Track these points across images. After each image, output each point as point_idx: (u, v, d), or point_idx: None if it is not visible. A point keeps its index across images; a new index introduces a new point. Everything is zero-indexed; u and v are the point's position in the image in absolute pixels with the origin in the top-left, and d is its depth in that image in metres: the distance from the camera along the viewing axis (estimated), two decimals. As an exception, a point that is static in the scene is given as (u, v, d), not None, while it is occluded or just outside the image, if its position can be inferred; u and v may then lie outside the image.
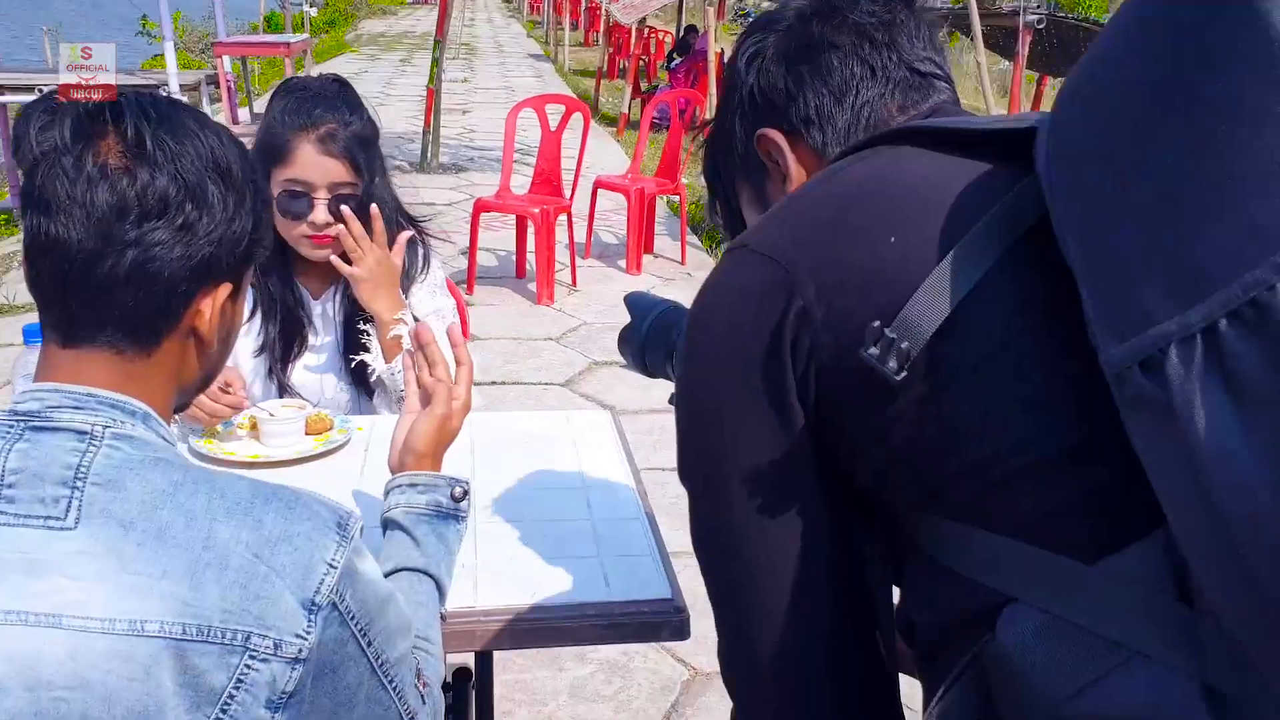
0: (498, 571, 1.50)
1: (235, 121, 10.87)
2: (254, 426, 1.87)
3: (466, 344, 1.83)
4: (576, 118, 6.07)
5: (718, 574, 0.94)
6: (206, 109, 10.37)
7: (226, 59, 10.78)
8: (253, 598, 0.95)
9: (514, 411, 4.08)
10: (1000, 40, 7.05)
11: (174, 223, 0.99)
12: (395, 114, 13.22)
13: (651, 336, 1.36)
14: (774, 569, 0.88)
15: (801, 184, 0.99)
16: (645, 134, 6.58)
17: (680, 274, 6.50)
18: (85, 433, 0.96)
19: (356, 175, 2.00)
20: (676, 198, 6.81)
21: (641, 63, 14.66)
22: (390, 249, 2.01)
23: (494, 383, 4.71)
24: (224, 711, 0.95)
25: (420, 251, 2.17)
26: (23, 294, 5.61)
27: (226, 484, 1.00)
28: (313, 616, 0.97)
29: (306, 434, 1.85)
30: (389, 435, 1.65)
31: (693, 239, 7.04)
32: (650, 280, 6.32)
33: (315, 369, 2.13)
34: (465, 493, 1.43)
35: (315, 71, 12.18)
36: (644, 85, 14.15)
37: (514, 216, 6.08)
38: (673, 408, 1.00)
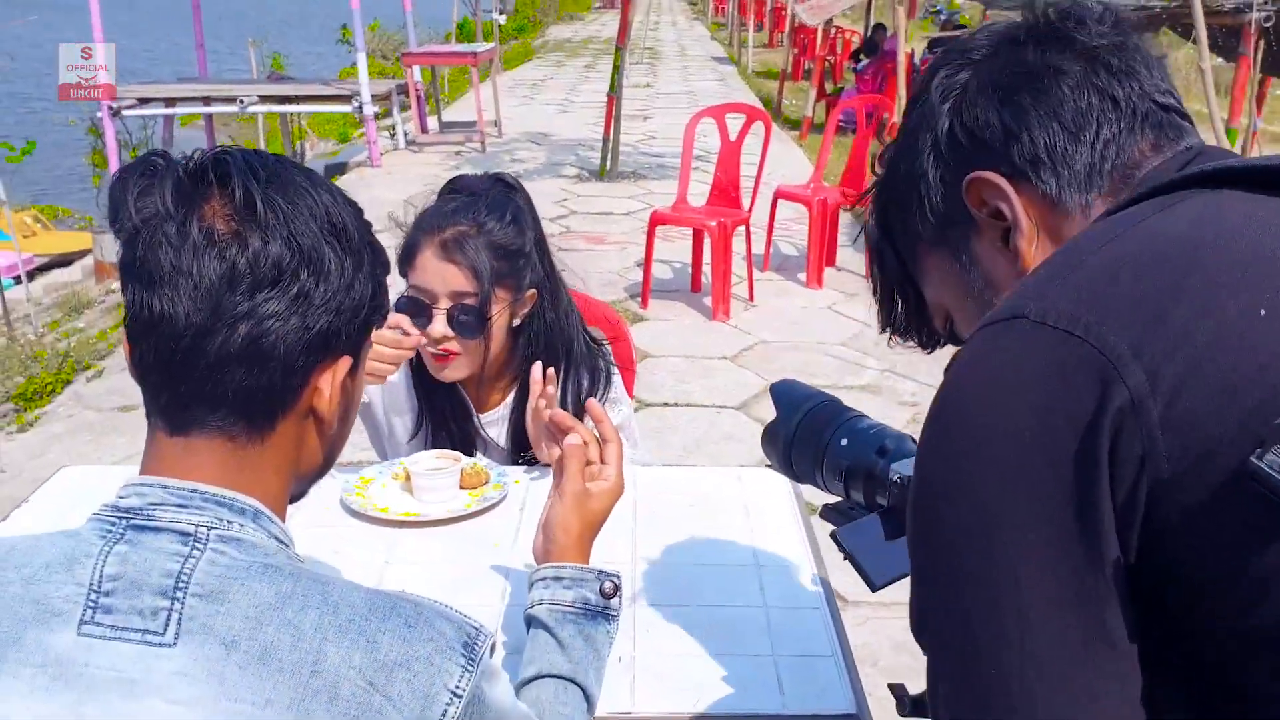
0: (658, 671, 1.33)
1: (424, 130, 11.14)
2: (408, 477, 1.76)
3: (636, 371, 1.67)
4: (758, 126, 5.88)
5: None
6: (396, 117, 10.65)
7: (416, 69, 11.04)
8: None
9: (677, 467, 3.95)
10: (1219, 39, 6.49)
11: (289, 291, 0.87)
12: (578, 120, 13.33)
13: (801, 435, 1.17)
14: None
15: (1070, 238, 0.81)
16: (829, 140, 6.33)
17: (864, 289, 6.21)
18: (189, 534, 0.86)
19: (485, 286, 1.78)
20: (861, 208, 6.52)
21: (827, 64, 14.30)
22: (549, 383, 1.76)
23: (665, 404, 4.56)
24: None
25: (601, 374, 1.98)
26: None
27: (341, 595, 0.87)
28: None
29: (461, 487, 1.74)
30: (545, 492, 1.52)
31: (877, 251, 6.75)
32: (832, 295, 6.07)
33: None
34: (617, 588, 1.28)
35: (503, 78, 12.41)
36: (829, 87, 13.81)
37: (690, 228, 5.93)
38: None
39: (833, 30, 15.37)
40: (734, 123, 5.92)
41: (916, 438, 1.01)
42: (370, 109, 9.55)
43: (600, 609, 1.26)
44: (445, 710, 0.85)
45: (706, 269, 5.93)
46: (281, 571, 0.87)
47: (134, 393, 0.92)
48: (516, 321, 1.88)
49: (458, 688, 0.86)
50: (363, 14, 10.16)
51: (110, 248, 6.96)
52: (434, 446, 1.92)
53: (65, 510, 1.69)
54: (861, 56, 13.48)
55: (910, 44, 11.48)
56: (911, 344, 1.02)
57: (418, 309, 1.80)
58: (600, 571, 1.28)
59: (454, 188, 1.89)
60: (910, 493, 0.78)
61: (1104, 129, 0.84)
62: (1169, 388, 0.64)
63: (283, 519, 0.94)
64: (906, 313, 0.99)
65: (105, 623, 0.83)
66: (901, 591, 0.86)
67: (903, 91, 10.01)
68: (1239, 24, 5.27)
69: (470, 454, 1.92)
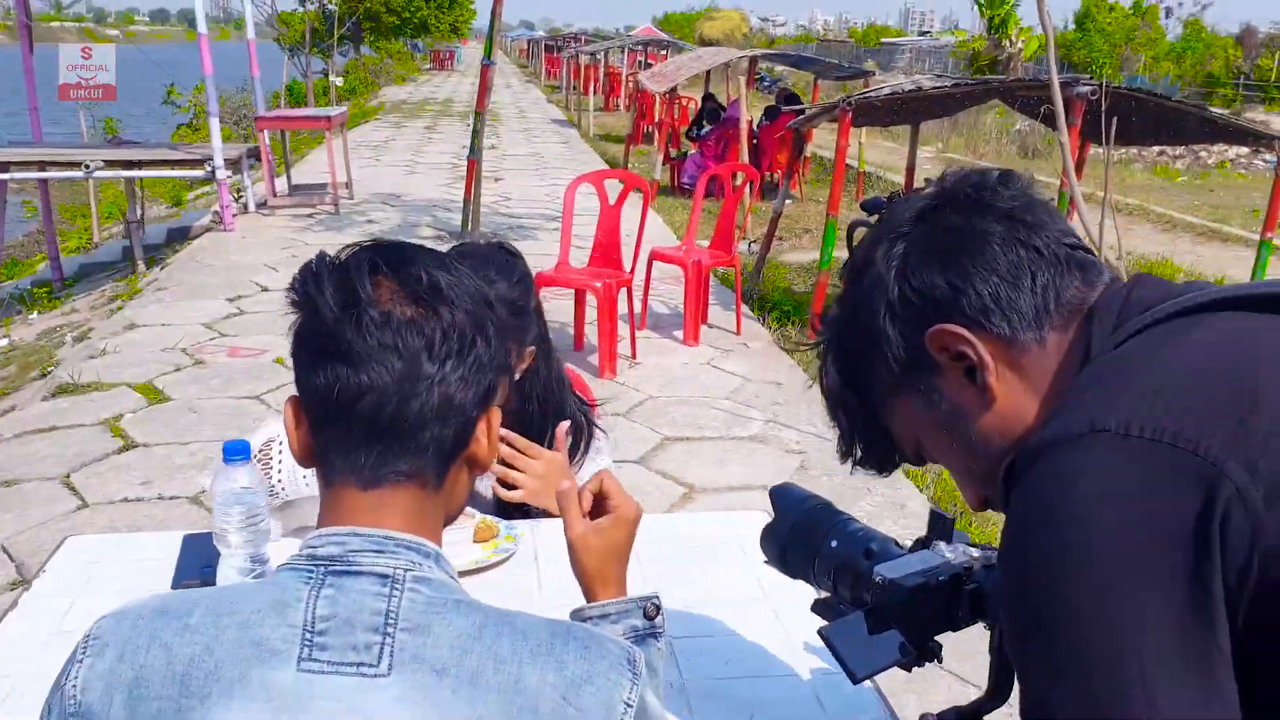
0: (709, 692, 1.47)
1: (274, 193, 10.98)
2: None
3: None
4: (622, 189, 6.10)
5: None
6: (246, 180, 10.49)
7: (266, 133, 10.91)
8: None
9: (670, 514, 4.05)
10: (1044, 111, 7.08)
11: (468, 356, 1.02)
12: (428, 181, 13.36)
13: (796, 535, 1.27)
14: None
15: (1102, 362, 0.91)
16: (699, 206, 6.61)
17: (737, 344, 6.50)
18: (388, 577, 0.97)
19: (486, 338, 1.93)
20: (731, 269, 6.82)
21: (668, 130, 14.78)
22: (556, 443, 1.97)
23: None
24: None
25: (584, 431, 2.11)
26: (88, 373, 5.63)
27: (526, 624, 1.00)
28: None
29: (474, 541, 1.83)
30: (554, 542, 1.62)
31: (745, 309, 7.04)
32: (709, 352, 6.32)
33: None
34: (658, 608, 1.38)
35: (350, 138, 12.35)
36: (672, 152, 14.26)
37: (571, 289, 6.09)
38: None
39: (672, 97, 15.89)
40: (611, 188, 6.14)
41: (896, 539, 1.19)
42: (224, 173, 9.39)
43: (648, 631, 1.37)
44: (623, 716, 0.97)
45: (589, 328, 6.09)
46: (471, 606, 0.99)
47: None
48: (516, 376, 2.00)
49: (629, 698, 0.99)
50: (191, 79, 9.94)
51: None
52: None
53: (81, 580, 1.72)
54: (703, 123, 13.96)
55: (750, 112, 11.99)
56: (871, 471, 1.14)
57: None
58: (639, 599, 1.37)
59: (462, 252, 2.00)
60: (1017, 607, 0.84)
61: (1038, 276, 0.97)
62: (1267, 475, 0.75)
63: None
64: (868, 448, 1.11)
65: (322, 659, 0.93)
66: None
67: (745, 155, 10.47)
68: (1068, 97, 5.77)
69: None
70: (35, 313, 8.22)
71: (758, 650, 1.57)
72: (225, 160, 9.48)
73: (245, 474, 1.57)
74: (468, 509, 1.93)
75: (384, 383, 0.98)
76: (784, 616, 1.66)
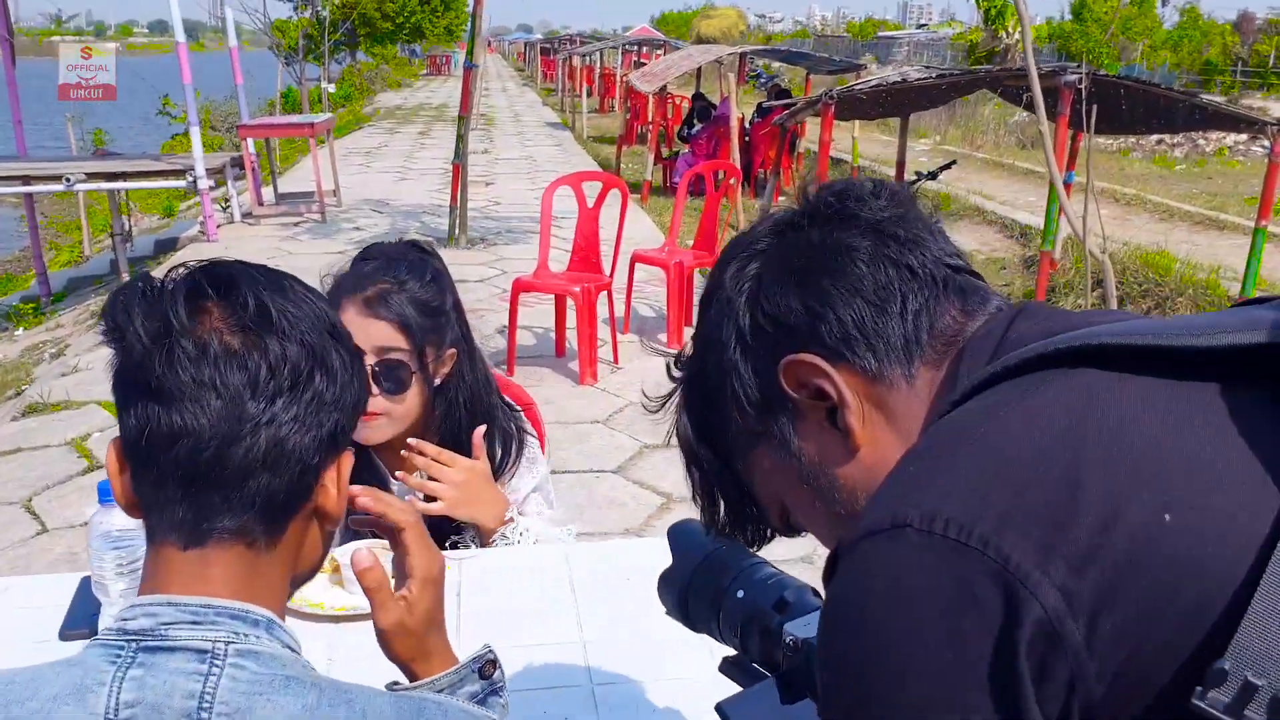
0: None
1: (260, 202, 10.87)
2: (336, 569, 1.71)
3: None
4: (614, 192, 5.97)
5: None
6: (231, 190, 10.39)
7: (250, 140, 10.79)
8: None
9: (609, 540, 3.93)
10: (1021, 98, 6.95)
11: (305, 394, 0.88)
12: (418, 187, 13.25)
13: (697, 582, 1.07)
14: None
15: (936, 427, 0.75)
16: (681, 205, 6.48)
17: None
18: (205, 651, 0.83)
19: (410, 341, 1.80)
20: (715, 269, 6.68)
21: (660, 129, 14.66)
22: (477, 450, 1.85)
23: (544, 471, 4.55)
24: None
25: (514, 439, 1.98)
26: (58, 391, 5.51)
27: (366, 703, 0.87)
28: None
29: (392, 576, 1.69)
30: (481, 576, 1.49)
31: (732, 310, 6.91)
32: (693, 355, 6.17)
33: None
34: (494, 663, 1.21)
35: (337, 146, 12.24)
36: (665, 152, 14.14)
37: (552, 293, 5.96)
38: None
39: (664, 96, 15.78)
40: (590, 190, 6.01)
41: (815, 588, 0.98)
42: (205, 183, 9.28)
43: (489, 690, 1.20)
44: None
45: (570, 333, 5.96)
46: (303, 683, 0.85)
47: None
48: (437, 381, 1.87)
49: None
50: (189, 86, 9.87)
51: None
52: (349, 515, 1.87)
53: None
54: (694, 122, 13.84)
55: (741, 109, 11.87)
56: (741, 543, 0.97)
57: None
58: (472, 661, 1.20)
59: (368, 254, 1.88)
60: (826, 709, 0.73)
61: (909, 300, 0.81)
62: (1088, 607, 0.60)
63: (283, 620, 0.92)
64: (730, 511, 0.94)
65: None
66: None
67: (736, 155, 10.35)
68: (1055, 86, 5.64)
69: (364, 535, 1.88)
70: (21, 329, 8.12)
71: (693, 699, 1.44)
72: (209, 170, 9.37)
73: (121, 515, 1.43)
74: (381, 540, 1.80)
75: (199, 425, 0.84)
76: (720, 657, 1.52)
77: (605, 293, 5.85)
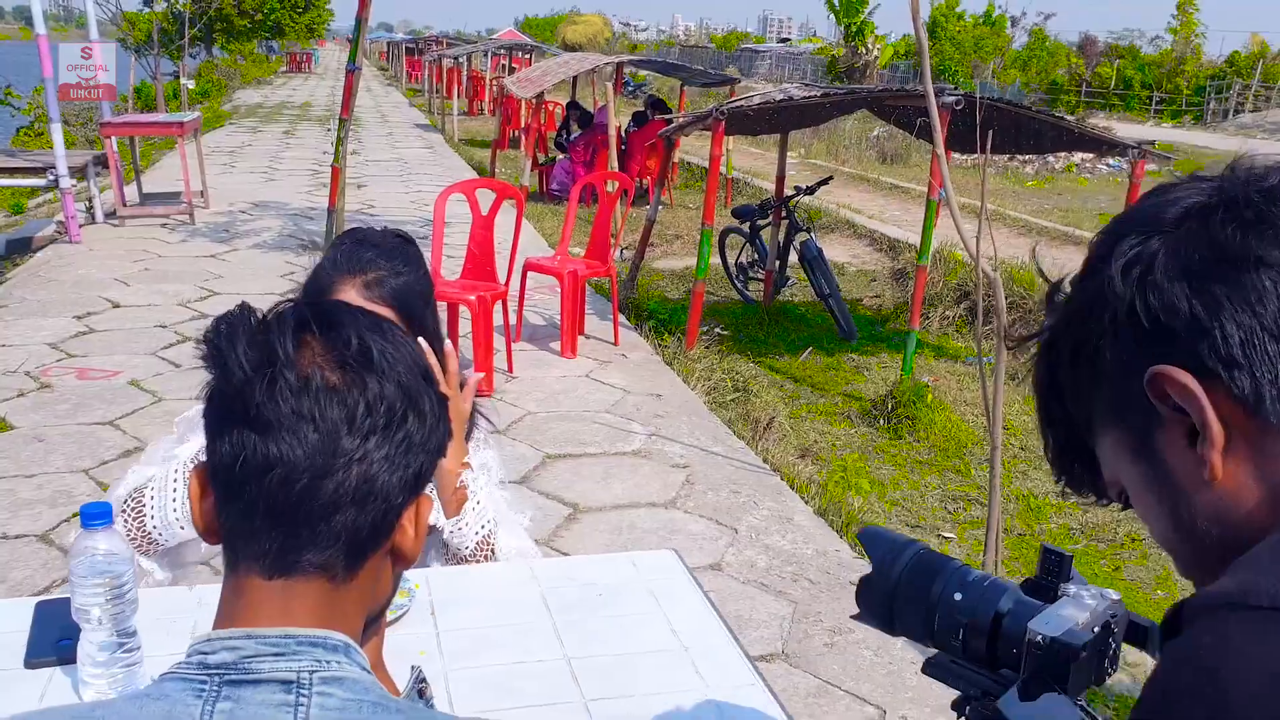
0: (632, 763, 1.37)
1: (124, 203, 10.44)
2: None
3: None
4: (494, 200, 5.96)
5: None
6: (93, 190, 9.96)
7: (114, 139, 10.36)
8: None
9: (568, 556, 3.91)
10: (913, 120, 7.22)
11: (396, 434, 0.90)
12: (287, 189, 12.93)
13: (904, 590, 1.07)
14: None
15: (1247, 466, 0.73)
16: (573, 215, 6.51)
17: (615, 355, 6.41)
18: (291, 682, 0.84)
19: (404, 323, 1.83)
20: (607, 279, 6.73)
21: (537, 135, 14.64)
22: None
23: (447, 482, 4.51)
24: None
25: (474, 411, 2.03)
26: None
27: None
28: None
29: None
30: (453, 593, 1.48)
31: (622, 319, 6.96)
32: (587, 364, 6.21)
33: None
34: (422, 679, 1.21)
35: (203, 144, 11.83)
36: (540, 158, 14.13)
37: (445, 302, 5.92)
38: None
39: (538, 102, 15.77)
40: (484, 198, 5.99)
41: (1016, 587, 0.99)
42: (68, 181, 8.89)
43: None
44: None
45: (463, 341, 5.92)
46: (389, 709, 0.87)
47: None
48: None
49: None
50: (31, 79, 9.47)
51: None
52: None
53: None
54: (571, 128, 13.87)
55: (617, 117, 11.95)
56: (1082, 497, 0.94)
57: None
58: (409, 685, 1.19)
59: (359, 238, 1.91)
60: None
61: None
62: None
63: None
64: (1072, 469, 0.92)
65: None
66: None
67: (614, 162, 10.43)
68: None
69: None
70: None
71: (676, 712, 1.48)
72: (70, 168, 8.98)
73: (106, 539, 1.40)
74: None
75: (294, 456, 0.85)
76: (704, 672, 1.57)
77: (500, 301, 5.84)
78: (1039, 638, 0.92)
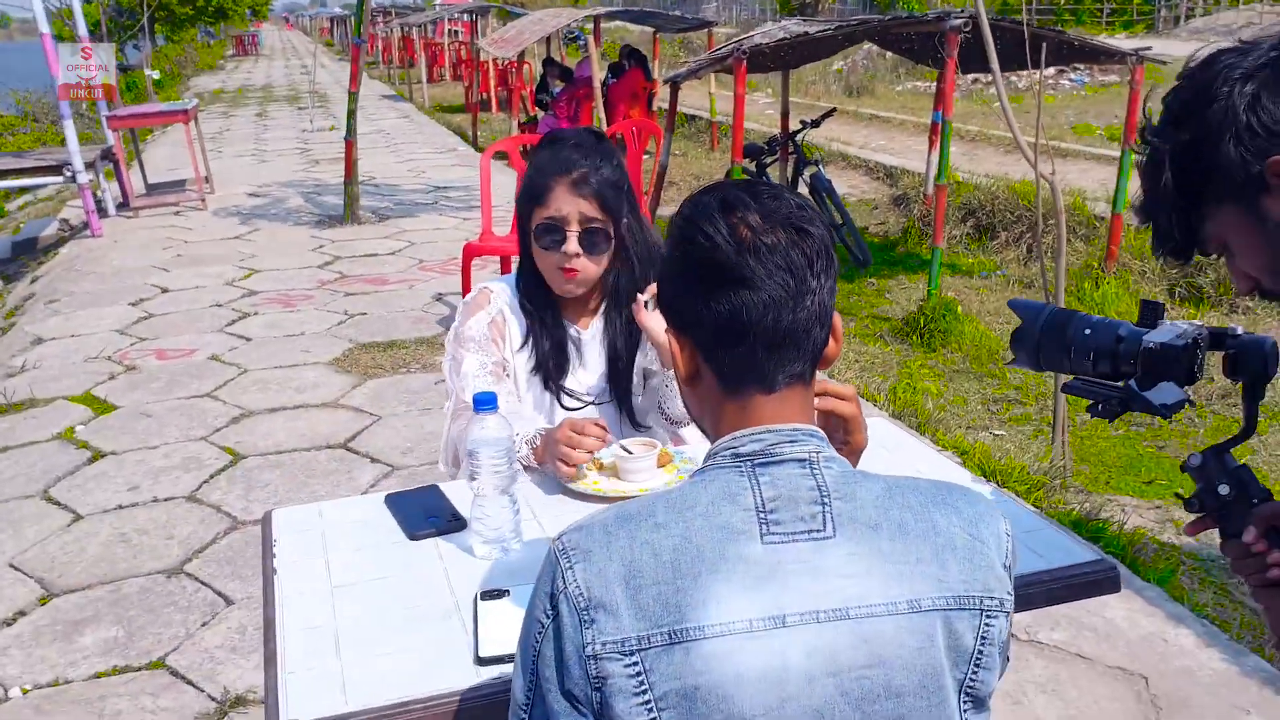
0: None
1: (133, 194, 10.58)
2: (600, 467, 2.02)
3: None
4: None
5: None
6: (102, 184, 10.09)
7: (114, 132, 10.47)
8: (978, 568, 1.16)
9: None
10: (915, 45, 7.51)
11: (831, 266, 1.21)
12: (284, 168, 13.07)
13: (1046, 336, 1.45)
14: None
15: None
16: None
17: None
18: (805, 460, 1.16)
19: (606, 214, 2.19)
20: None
21: (521, 95, 14.81)
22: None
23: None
24: (976, 665, 1.16)
25: None
26: (18, 390, 5.45)
27: (915, 483, 1.21)
28: (1009, 575, 1.19)
29: (657, 467, 2.01)
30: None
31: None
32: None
33: (587, 389, 2.35)
34: None
35: (177, 133, 11.94)
36: (523, 117, 14.31)
37: (498, 256, 6.20)
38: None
39: (523, 61, 15.93)
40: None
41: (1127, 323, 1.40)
42: (85, 177, 9.04)
43: None
44: (1008, 546, 1.20)
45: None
46: (869, 475, 1.19)
47: None
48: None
49: (1008, 529, 1.21)
50: (12, 81, 9.56)
51: None
52: (535, 358, 2.29)
53: (318, 544, 1.82)
54: (554, 84, 14.03)
55: (600, 71, 12.14)
56: (1171, 260, 1.35)
57: (554, 232, 2.17)
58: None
59: (557, 139, 2.23)
60: None
61: None
62: None
63: None
64: (1179, 242, 1.30)
65: (779, 531, 1.12)
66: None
67: (602, 115, 10.62)
68: (941, 31, 6.16)
69: (564, 365, 2.30)
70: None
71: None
72: (85, 164, 9.12)
73: (494, 422, 1.72)
74: (644, 439, 2.12)
75: (782, 296, 1.15)
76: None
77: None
78: (1152, 344, 1.30)
